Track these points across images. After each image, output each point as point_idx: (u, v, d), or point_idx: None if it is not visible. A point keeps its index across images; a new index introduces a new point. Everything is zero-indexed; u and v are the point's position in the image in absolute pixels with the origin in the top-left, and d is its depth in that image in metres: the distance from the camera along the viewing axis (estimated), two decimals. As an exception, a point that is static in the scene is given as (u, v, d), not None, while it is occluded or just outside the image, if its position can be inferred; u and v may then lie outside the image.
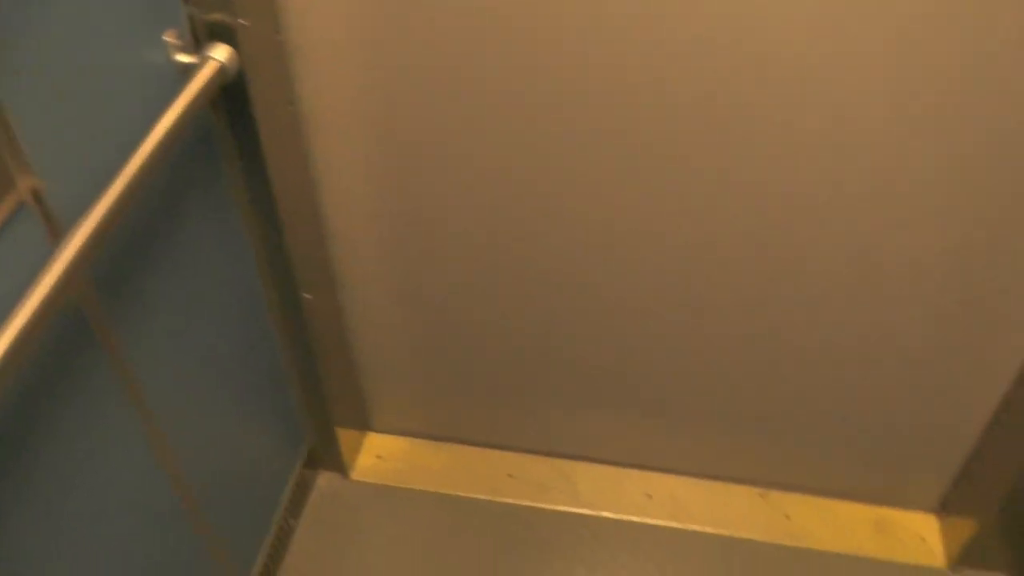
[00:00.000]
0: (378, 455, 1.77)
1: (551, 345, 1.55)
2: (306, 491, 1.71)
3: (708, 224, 1.31)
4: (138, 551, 1.14)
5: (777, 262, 1.34)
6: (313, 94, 1.22)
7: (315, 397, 1.58)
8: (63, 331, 0.92)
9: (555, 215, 1.34)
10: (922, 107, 1.12)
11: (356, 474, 1.75)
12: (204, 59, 1.03)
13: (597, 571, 1.61)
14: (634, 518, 1.69)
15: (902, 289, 1.33)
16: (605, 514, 1.69)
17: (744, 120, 1.17)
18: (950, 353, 1.41)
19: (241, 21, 1.04)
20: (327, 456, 1.72)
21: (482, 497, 1.71)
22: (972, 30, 1.04)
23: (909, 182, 1.19)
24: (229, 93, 1.11)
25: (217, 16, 1.03)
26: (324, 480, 1.74)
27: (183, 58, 1.02)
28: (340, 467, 1.73)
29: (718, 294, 1.40)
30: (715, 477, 1.74)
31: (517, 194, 1.32)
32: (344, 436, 1.69)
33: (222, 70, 1.03)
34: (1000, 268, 1.28)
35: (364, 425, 1.80)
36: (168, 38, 1.00)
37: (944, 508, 1.69)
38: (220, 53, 1.03)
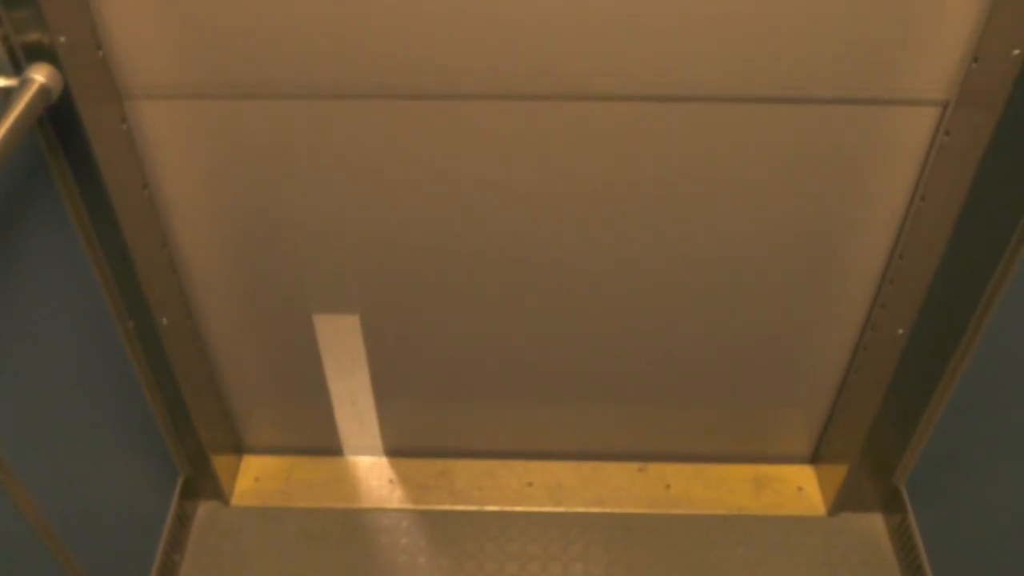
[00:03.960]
0: (256, 477, 1.74)
1: (411, 343, 1.55)
2: (187, 524, 1.67)
3: (556, 208, 1.33)
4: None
5: (627, 237, 1.36)
6: (143, 109, 1.19)
7: (184, 425, 1.54)
8: None
9: (402, 209, 1.34)
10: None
11: (236, 499, 1.71)
12: (24, 81, 0.99)
13: (485, 565, 1.62)
14: (517, 508, 1.70)
15: (750, 250, 1.38)
16: (488, 508, 1.70)
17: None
18: (803, 303, 1.46)
19: (61, 39, 1.02)
20: (204, 485, 1.68)
21: (365, 506, 1.70)
22: None
23: (742, 143, 1.24)
24: (57, 115, 1.08)
25: (33, 36, 1.00)
26: (204, 510, 1.70)
27: (1, 82, 0.99)
28: (219, 494, 1.69)
29: (573, 274, 1.42)
30: (594, 458, 1.77)
31: (356, 193, 1.32)
32: (219, 462, 1.65)
33: (44, 91, 1.00)
34: (839, 216, 1.34)
35: (238, 448, 1.77)
36: (-21, 63, 0.97)
37: (817, 458, 1.76)
38: (40, 73, 1.00)
